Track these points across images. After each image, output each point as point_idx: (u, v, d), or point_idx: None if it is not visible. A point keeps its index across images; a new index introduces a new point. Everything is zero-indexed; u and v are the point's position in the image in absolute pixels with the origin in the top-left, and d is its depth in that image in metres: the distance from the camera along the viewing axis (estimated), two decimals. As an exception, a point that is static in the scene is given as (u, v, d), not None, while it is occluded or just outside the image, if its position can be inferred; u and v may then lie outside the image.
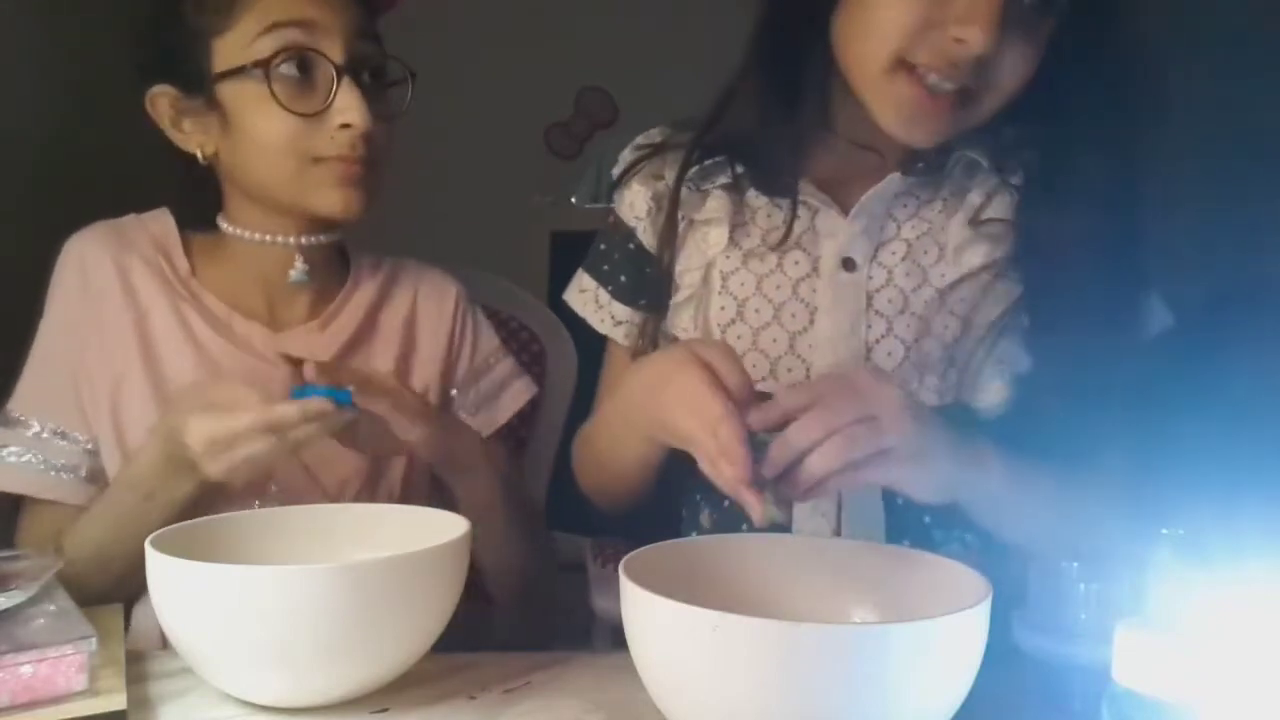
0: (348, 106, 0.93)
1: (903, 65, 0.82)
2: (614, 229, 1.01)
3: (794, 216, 0.92)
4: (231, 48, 0.93)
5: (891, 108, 0.84)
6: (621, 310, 1.00)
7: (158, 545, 0.71)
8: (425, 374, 1.06)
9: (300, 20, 0.92)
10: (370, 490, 1.00)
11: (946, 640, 0.59)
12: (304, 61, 0.93)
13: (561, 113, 3.64)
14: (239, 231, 0.99)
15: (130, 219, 1.03)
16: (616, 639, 0.79)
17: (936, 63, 0.80)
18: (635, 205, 0.99)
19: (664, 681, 0.64)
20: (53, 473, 0.94)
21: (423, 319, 1.08)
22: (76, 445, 0.95)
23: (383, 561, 0.71)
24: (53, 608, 0.74)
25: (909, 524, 0.88)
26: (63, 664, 0.67)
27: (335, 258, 1.06)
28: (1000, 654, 0.64)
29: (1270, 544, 0.51)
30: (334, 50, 0.93)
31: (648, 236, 0.98)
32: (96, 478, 0.96)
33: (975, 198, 0.91)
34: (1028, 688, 0.71)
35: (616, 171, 1.02)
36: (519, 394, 1.11)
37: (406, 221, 2.30)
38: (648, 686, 0.65)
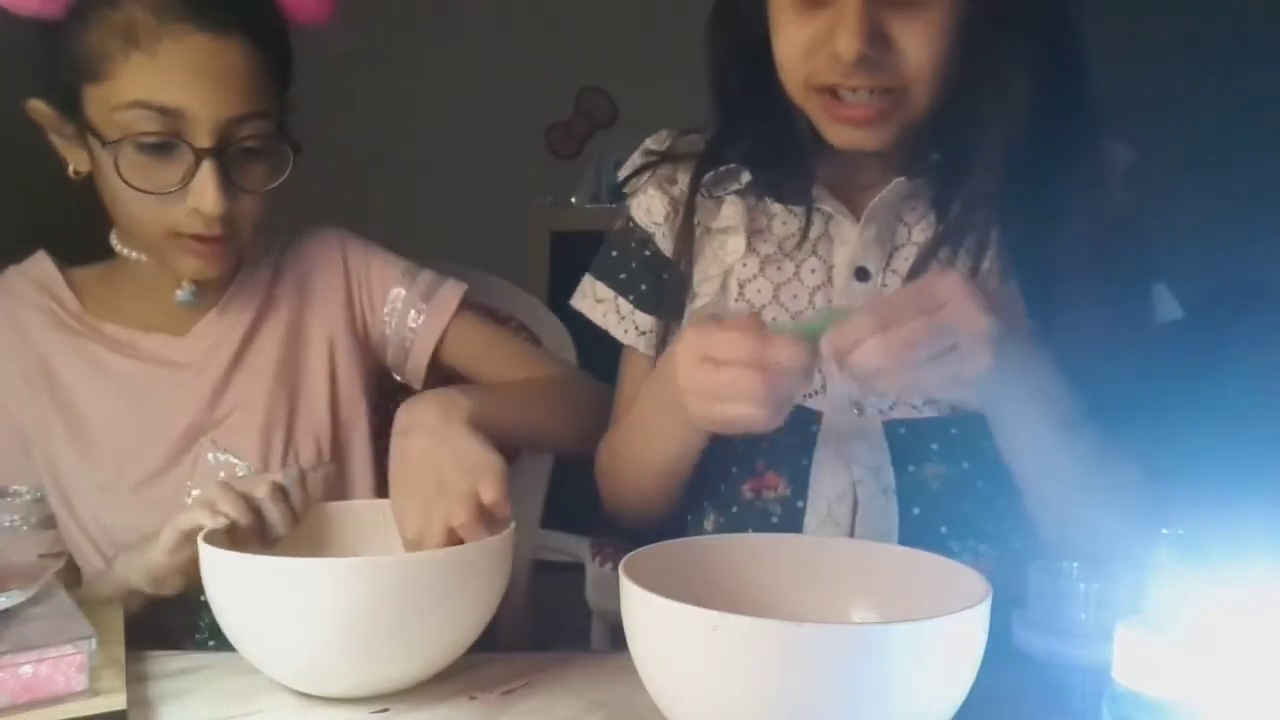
0: (203, 193, 0.88)
1: (812, 86, 0.84)
2: (625, 234, 1.00)
3: (809, 222, 0.91)
4: (98, 103, 0.89)
5: (823, 124, 0.86)
6: (645, 320, 0.98)
7: (210, 540, 0.74)
8: (325, 325, 1.05)
9: (167, 107, 0.87)
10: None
11: (946, 640, 0.59)
12: (164, 143, 0.88)
13: (561, 113, 3.64)
14: (127, 250, 0.99)
15: (10, 271, 1.02)
16: (616, 639, 0.79)
17: (834, 77, 0.82)
18: (653, 210, 0.98)
19: (664, 681, 0.64)
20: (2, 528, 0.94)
21: (315, 276, 1.07)
22: (20, 499, 0.96)
23: (434, 556, 0.75)
24: (53, 608, 0.74)
25: (924, 534, 0.86)
26: (63, 664, 0.67)
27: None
28: (1000, 654, 0.64)
29: (1270, 544, 0.51)
30: (200, 136, 0.88)
31: (665, 242, 0.97)
32: (48, 524, 0.96)
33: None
34: (1028, 688, 0.71)
35: (623, 174, 1.01)
36: (453, 291, 1.09)
37: (407, 221, 2.30)
38: (648, 686, 0.65)
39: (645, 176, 0.99)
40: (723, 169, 0.95)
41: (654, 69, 3.21)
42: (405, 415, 0.87)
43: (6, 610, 0.71)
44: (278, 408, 1.01)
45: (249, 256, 1.05)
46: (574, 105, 3.64)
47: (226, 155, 0.90)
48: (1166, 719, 0.50)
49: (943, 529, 0.87)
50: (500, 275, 1.33)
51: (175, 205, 0.90)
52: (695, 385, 0.74)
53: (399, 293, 1.08)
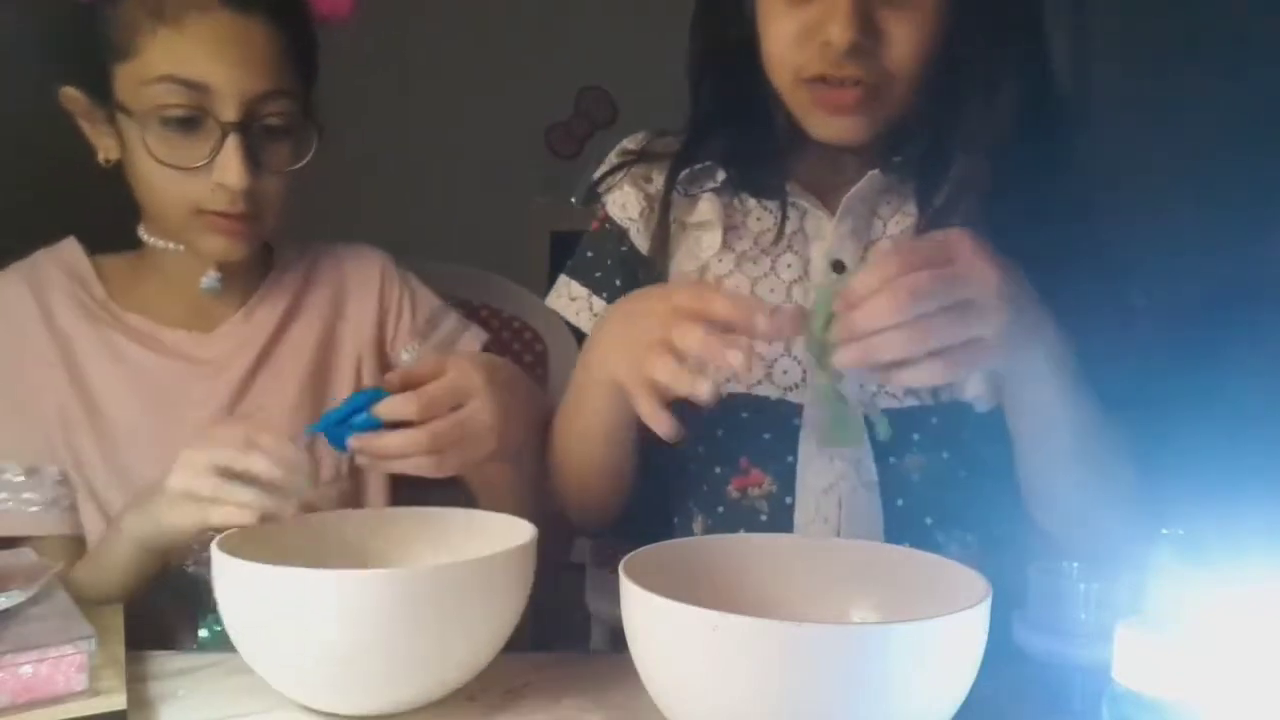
0: (228, 167, 0.91)
1: (802, 78, 0.85)
2: (600, 233, 1.01)
3: (784, 217, 0.92)
4: (128, 80, 0.91)
5: (809, 115, 0.87)
6: None
7: (223, 547, 0.71)
8: (355, 341, 1.06)
9: (193, 81, 0.90)
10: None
11: (946, 640, 0.59)
12: (191, 116, 0.91)
13: (561, 113, 3.64)
14: (155, 241, 1.00)
15: (40, 254, 1.03)
16: (615, 640, 0.79)
17: (823, 67, 0.83)
18: (628, 206, 0.99)
19: (664, 681, 0.64)
20: (31, 509, 0.94)
21: (350, 290, 1.08)
22: (48, 479, 0.95)
23: (453, 566, 0.71)
24: (53, 608, 0.74)
25: (909, 525, 0.87)
26: (63, 664, 0.67)
27: (257, 250, 1.03)
28: (1000, 654, 0.64)
29: (1270, 544, 0.51)
30: (226, 110, 0.91)
31: (641, 239, 0.97)
32: (77, 506, 0.96)
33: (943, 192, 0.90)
34: (1028, 688, 0.71)
35: (598, 174, 1.02)
36: (470, 344, 1.10)
37: (407, 221, 2.30)
38: (648, 686, 0.65)
39: (620, 175, 1.00)
40: (698, 167, 0.96)
41: (654, 69, 3.21)
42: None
43: (6, 610, 0.71)
44: (300, 417, 0.99)
45: (278, 261, 1.06)
46: (574, 105, 3.64)
47: (251, 131, 0.92)
48: (1166, 719, 0.50)
49: (928, 520, 0.88)
50: (500, 275, 1.33)
51: (200, 181, 0.92)
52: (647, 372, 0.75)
53: (424, 334, 1.09)
